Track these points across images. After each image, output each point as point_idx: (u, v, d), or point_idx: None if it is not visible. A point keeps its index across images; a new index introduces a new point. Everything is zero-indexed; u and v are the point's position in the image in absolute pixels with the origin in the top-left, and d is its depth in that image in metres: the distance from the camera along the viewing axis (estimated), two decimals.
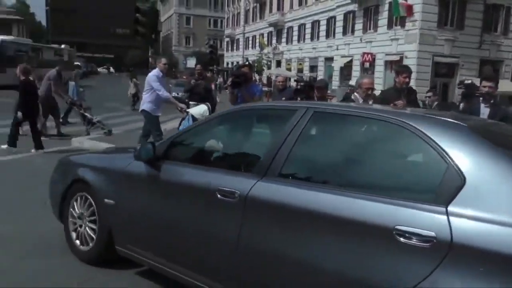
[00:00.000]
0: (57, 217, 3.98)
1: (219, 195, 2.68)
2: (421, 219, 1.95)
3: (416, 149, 2.33)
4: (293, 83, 32.72)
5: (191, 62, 53.07)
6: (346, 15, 34.97)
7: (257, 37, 56.02)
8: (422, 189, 2.15)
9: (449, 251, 1.85)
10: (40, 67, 29.61)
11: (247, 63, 8.68)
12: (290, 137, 2.60)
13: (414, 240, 1.93)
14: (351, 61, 33.98)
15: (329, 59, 38.06)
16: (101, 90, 29.06)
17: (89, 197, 3.61)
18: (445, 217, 1.90)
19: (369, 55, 28.31)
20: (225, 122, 3.42)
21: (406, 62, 24.91)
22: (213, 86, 12.52)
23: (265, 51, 48.56)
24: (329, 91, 7.24)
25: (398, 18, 28.32)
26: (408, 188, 2.20)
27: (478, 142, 2.12)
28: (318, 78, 27.28)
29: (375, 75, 27.58)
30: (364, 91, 5.59)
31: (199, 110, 7.22)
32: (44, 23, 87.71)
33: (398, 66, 7.85)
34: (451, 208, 1.92)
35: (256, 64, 42.33)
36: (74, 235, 3.78)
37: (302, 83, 28.40)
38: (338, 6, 35.82)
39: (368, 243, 2.09)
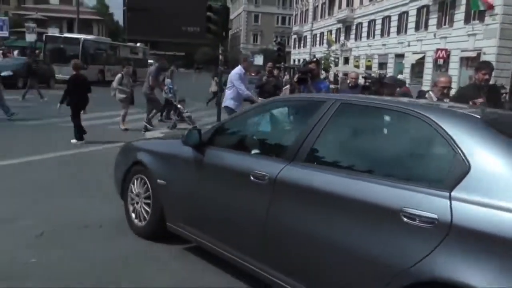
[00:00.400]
0: (119, 195, 4.38)
1: (252, 178, 2.95)
2: (426, 203, 2.14)
3: (430, 138, 2.45)
4: (361, 80, 32.04)
5: (259, 60, 53.40)
6: (419, 10, 33.63)
7: (325, 34, 55.36)
8: (431, 175, 2.34)
9: (449, 232, 2.02)
10: (117, 64, 31.61)
11: (314, 59, 8.56)
12: (318, 126, 2.85)
13: (418, 221, 2.12)
14: (423, 57, 32.65)
15: (400, 56, 36.83)
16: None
17: (144, 177, 3.96)
18: (447, 201, 2.08)
19: (443, 52, 26.96)
20: (262, 112, 3.72)
21: (484, 58, 23.46)
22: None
23: (333, 48, 47.92)
24: (398, 89, 7.03)
25: (476, 12, 26.78)
26: (420, 174, 2.38)
27: (488, 133, 2.25)
28: (388, 75, 26.45)
29: (449, 73, 26.26)
30: (440, 90, 5.32)
31: None
32: (121, 22, 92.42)
33: (478, 62, 7.47)
34: (454, 193, 2.09)
35: (323, 61, 41.84)
36: (132, 212, 4.13)
37: (370, 80, 27.85)
38: (412, 1, 34.53)
39: (381, 223, 2.29)
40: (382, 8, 40.40)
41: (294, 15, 74.27)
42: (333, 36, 51.67)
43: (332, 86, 34.52)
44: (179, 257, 3.74)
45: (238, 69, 8.14)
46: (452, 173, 2.18)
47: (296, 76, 6.79)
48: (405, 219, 2.17)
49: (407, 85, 11.23)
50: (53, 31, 34.64)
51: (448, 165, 2.24)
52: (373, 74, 36.01)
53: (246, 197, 3.06)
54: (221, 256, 3.27)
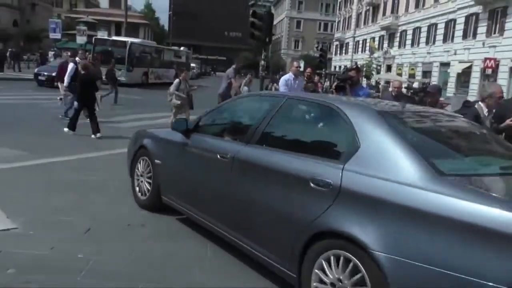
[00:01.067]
0: (128, 174, 5.20)
1: (219, 156, 3.71)
2: (326, 172, 2.83)
3: (339, 124, 3.11)
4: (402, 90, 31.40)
5: (302, 65, 53.59)
6: (468, 18, 32.66)
7: (368, 40, 54.66)
8: (336, 152, 3.07)
9: (339, 194, 2.71)
10: (161, 67, 32.49)
11: (354, 66, 8.49)
12: (268, 116, 3.63)
13: (320, 186, 2.82)
14: (470, 67, 31.65)
15: (445, 65, 35.86)
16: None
17: (147, 159, 4.79)
18: (340, 171, 2.75)
19: (492, 61, 26.05)
20: (235, 106, 4.55)
21: None
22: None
23: (375, 55, 47.28)
24: (442, 98, 6.84)
25: None
26: (328, 151, 3.13)
27: (378, 122, 2.90)
28: (431, 84, 25.81)
29: (497, 83, 25.33)
30: (496, 101, 5.10)
31: None
32: (166, 26, 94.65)
33: None
34: (346, 166, 2.77)
35: (365, 68, 41.33)
36: (137, 188, 4.97)
37: (412, 90, 27.21)
38: (460, 9, 33.59)
39: (298, 188, 2.99)
40: (428, 15, 39.50)
41: (336, 21, 73.77)
42: (376, 43, 50.96)
43: (373, 93, 34.19)
44: (170, 225, 4.42)
45: (287, 75, 8.16)
46: (348, 151, 2.89)
47: (335, 83, 6.70)
48: (312, 185, 2.86)
49: (452, 94, 10.89)
50: (102, 34, 36.03)
51: (346, 145, 2.98)
52: (414, 84, 35.21)
53: (216, 173, 3.81)
54: (202, 225, 3.99)
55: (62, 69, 11.85)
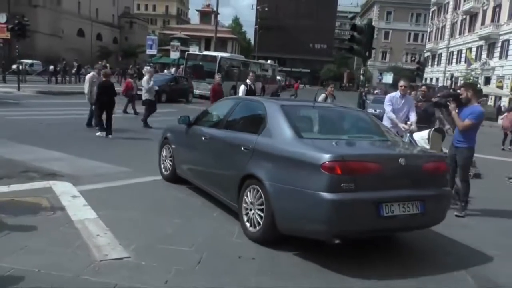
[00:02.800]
0: (158, 159, 7.13)
1: (203, 138, 5.81)
2: (249, 141, 4.83)
3: (261, 113, 5.09)
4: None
5: (388, 78, 51.55)
6: None
7: (463, 51, 51.28)
8: (256, 129, 4.92)
9: (254, 152, 4.69)
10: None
11: (463, 84, 7.82)
12: (232, 111, 5.74)
13: (243, 148, 4.86)
14: None
15: None
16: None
17: (169, 145, 6.81)
18: (255, 139, 4.76)
19: None
20: (215, 107, 6.83)
21: None
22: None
23: (472, 66, 44.09)
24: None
25: None
26: (253, 129, 4.99)
27: (279, 112, 4.85)
28: None
29: None
30: None
31: (421, 135, 6.80)
32: (252, 40, 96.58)
33: None
34: (259, 136, 4.77)
35: (462, 81, 38.65)
36: (162, 167, 6.95)
37: None
38: None
39: (234, 152, 5.03)
40: None
41: (428, 31, 70.31)
42: (473, 54, 47.60)
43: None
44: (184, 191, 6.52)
45: (393, 93, 8.02)
46: (262, 128, 4.84)
47: (435, 99, 6.23)
48: (242, 148, 4.86)
49: None
50: (193, 49, 37.45)
51: (262, 124, 4.88)
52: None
53: (201, 149, 5.89)
54: (203, 189, 5.89)
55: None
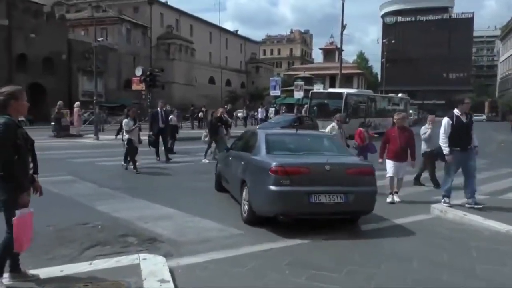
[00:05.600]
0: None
1: (230, 158, 8.36)
2: (246, 157, 7.29)
3: (256, 138, 7.46)
4: None
5: None
6: None
7: None
8: (252, 149, 7.26)
9: (247, 165, 7.16)
10: (377, 116, 30.62)
11: None
12: (244, 139, 8.76)
13: (242, 162, 7.49)
14: None
15: None
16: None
17: (218, 165, 9.63)
18: (249, 156, 7.19)
19: None
20: (241, 136, 9.29)
21: None
22: None
23: None
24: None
25: None
26: (251, 149, 7.34)
27: (263, 137, 7.23)
28: None
29: None
30: None
31: None
32: (379, 74, 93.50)
33: None
34: (251, 154, 7.18)
35: None
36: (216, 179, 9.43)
37: None
38: None
39: (239, 165, 7.55)
40: None
41: None
42: None
43: None
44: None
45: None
46: (253, 149, 7.19)
47: None
48: (242, 163, 7.33)
49: None
50: (318, 87, 36.60)
51: (255, 146, 7.18)
52: None
53: (231, 165, 8.09)
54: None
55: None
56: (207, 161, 14.03)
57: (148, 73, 21.28)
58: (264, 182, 6.08)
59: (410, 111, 45.89)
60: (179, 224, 6.50)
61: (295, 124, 22.87)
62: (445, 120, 7.77)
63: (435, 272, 4.75)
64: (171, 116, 16.56)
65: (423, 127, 10.81)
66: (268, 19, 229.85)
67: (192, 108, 34.49)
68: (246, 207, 6.63)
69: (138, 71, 23.61)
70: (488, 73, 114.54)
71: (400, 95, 39.62)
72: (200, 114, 33.87)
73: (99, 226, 6.18)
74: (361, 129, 14.35)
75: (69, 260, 4.79)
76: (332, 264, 4.90)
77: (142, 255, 4.57)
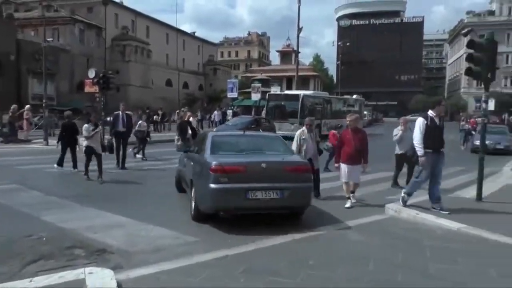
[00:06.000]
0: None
1: (186, 159, 8.53)
2: (195, 157, 7.93)
3: (206, 138, 7.72)
4: None
5: (490, 105, 46.67)
6: None
7: None
8: (200, 150, 7.62)
9: (194, 163, 7.79)
10: (333, 118, 31.11)
11: None
12: (198, 140, 9.24)
13: (191, 163, 7.95)
14: None
15: None
16: None
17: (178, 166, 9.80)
18: (197, 156, 7.76)
19: None
20: (198, 140, 9.40)
21: None
22: None
23: None
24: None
25: None
26: (199, 150, 7.73)
27: (210, 137, 7.59)
28: None
29: None
30: None
31: None
32: (334, 76, 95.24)
33: None
34: (199, 153, 7.65)
35: None
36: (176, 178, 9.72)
37: None
38: None
39: (189, 164, 8.07)
40: None
41: None
42: None
43: None
44: None
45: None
46: (203, 148, 7.38)
47: None
48: (191, 163, 7.78)
49: None
50: (275, 89, 36.70)
51: (204, 146, 7.41)
52: None
53: (186, 165, 8.31)
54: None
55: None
56: None
57: (101, 75, 20.52)
58: (206, 180, 6.51)
59: (365, 112, 47.02)
60: (130, 233, 6.23)
61: (252, 126, 22.88)
62: (420, 121, 7.60)
63: (391, 273, 4.76)
64: (140, 121, 16.08)
65: (395, 129, 10.80)
66: (226, 21, 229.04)
67: (147, 111, 33.75)
68: (193, 205, 7.04)
69: (91, 73, 22.74)
70: (438, 75, 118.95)
71: (354, 96, 40.47)
72: (155, 117, 33.17)
73: (44, 238, 5.79)
74: (333, 131, 14.39)
75: (8, 277, 4.43)
76: (288, 269, 4.82)
77: (88, 269, 4.29)
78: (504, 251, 5.58)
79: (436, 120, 7.64)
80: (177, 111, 35.32)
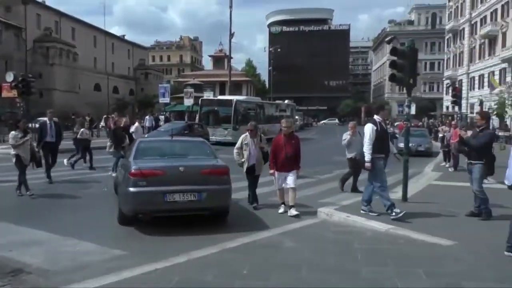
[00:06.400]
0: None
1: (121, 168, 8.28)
2: (124, 162, 8.69)
3: (132, 146, 8.77)
4: None
5: (412, 109, 49.53)
6: None
7: (485, 76, 49.29)
8: (128, 155, 8.15)
9: (122, 168, 8.17)
10: (266, 122, 31.47)
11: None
12: (132, 146, 9.17)
13: (120, 167, 9.14)
14: None
15: None
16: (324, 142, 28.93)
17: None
18: (125, 161, 8.33)
19: None
20: (130, 147, 9.30)
21: None
22: None
23: (496, 90, 41.75)
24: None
25: None
26: (128, 155, 8.18)
27: (136, 144, 8.15)
28: None
29: None
30: None
31: None
32: (267, 82, 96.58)
33: None
34: (129, 158, 7.77)
35: (496, 106, 36.35)
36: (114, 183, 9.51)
37: None
38: None
39: (119, 170, 8.89)
40: None
41: (445, 59, 68.79)
42: (496, 77, 45.51)
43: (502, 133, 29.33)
44: None
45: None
46: (128, 154, 8.26)
47: None
48: (120, 168, 8.83)
49: None
50: (208, 94, 36.46)
51: (129, 152, 8.27)
52: None
53: (118, 172, 8.67)
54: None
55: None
56: (114, 174, 12.56)
57: (20, 78, 19.23)
58: (126, 184, 6.82)
59: (296, 117, 48.10)
60: (52, 249, 5.78)
61: (185, 132, 22.51)
62: (370, 127, 7.55)
63: (323, 278, 4.79)
64: (82, 130, 14.92)
65: (344, 134, 10.83)
66: (157, 24, 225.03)
67: (73, 117, 32.10)
68: (118, 208, 7.29)
69: (9, 77, 21.30)
70: (364, 80, 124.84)
71: (286, 101, 41.25)
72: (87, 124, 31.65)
73: None
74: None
75: None
76: (221, 280, 4.70)
77: None
78: (430, 250, 5.83)
79: (383, 124, 7.75)
80: (104, 116, 33.99)
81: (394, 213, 7.29)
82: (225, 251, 5.76)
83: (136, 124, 16.52)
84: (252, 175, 8.73)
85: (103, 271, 4.88)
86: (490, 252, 5.61)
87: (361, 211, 7.75)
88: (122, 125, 14.01)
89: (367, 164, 7.47)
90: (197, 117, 30.54)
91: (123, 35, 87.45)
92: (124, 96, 75.44)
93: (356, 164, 9.73)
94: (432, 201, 8.76)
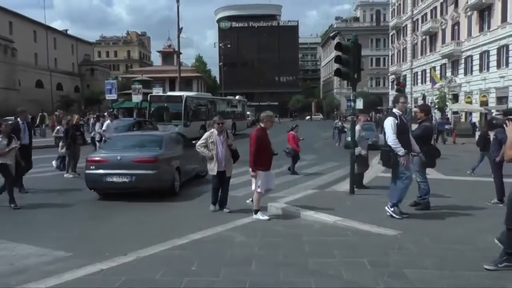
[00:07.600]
0: None
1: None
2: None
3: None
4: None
5: (358, 104, 50.90)
6: None
7: (427, 71, 51.57)
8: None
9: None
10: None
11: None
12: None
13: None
14: None
15: None
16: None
17: None
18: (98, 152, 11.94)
19: None
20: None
21: None
22: None
23: (438, 85, 43.96)
24: None
25: None
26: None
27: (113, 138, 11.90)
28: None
29: None
30: None
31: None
32: (218, 77, 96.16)
33: None
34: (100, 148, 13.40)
35: (437, 100, 38.10)
36: None
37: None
38: None
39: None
40: (496, 37, 36.25)
41: (390, 55, 71.30)
42: (438, 72, 47.75)
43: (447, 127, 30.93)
44: None
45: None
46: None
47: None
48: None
49: None
50: (157, 91, 35.75)
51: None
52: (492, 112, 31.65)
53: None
54: None
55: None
56: (70, 175, 12.58)
57: None
58: (87, 167, 9.62)
59: (248, 113, 48.21)
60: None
61: (134, 129, 21.97)
62: (391, 120, 7.09)
63: (272, 272, 4.82)
64: (58, 127, 14.43)
65: (356, 127, 10.23)
66: (102, 19, 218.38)
67: (14, 116, 30.43)
68: None
69: None
70: (313, 76, 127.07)
71: (237, 97, 41.18)
72: None
73: None
74: (292, 133, 13.66)
75: None
76: (169, 278, 4.61)
77: None
78: (374, 240, 6.02)
79: (403, 118, 7.33)
80: (40, 114, 32.54)
81: (394, 211, 7.10)
82: (174, 248, 5.67)
83: (108, 121, 15.95)
84: (223, 178, 8.12)
85: (43, 274, 4.67)
86: (431, 241, 5.87)
87: (391, 215, 7.13)
88: (74, 123, 13.63)
89: (403, 158, 6.89)
90: (146, 114, 29.95)
91: (66, 30, 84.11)
92: (69, 92, 72.60)
93: (366, 161, 9.95)
94: (379, 193, 9.05)
